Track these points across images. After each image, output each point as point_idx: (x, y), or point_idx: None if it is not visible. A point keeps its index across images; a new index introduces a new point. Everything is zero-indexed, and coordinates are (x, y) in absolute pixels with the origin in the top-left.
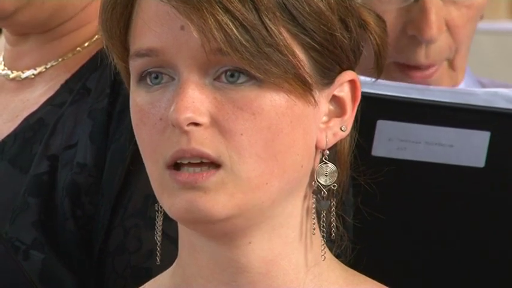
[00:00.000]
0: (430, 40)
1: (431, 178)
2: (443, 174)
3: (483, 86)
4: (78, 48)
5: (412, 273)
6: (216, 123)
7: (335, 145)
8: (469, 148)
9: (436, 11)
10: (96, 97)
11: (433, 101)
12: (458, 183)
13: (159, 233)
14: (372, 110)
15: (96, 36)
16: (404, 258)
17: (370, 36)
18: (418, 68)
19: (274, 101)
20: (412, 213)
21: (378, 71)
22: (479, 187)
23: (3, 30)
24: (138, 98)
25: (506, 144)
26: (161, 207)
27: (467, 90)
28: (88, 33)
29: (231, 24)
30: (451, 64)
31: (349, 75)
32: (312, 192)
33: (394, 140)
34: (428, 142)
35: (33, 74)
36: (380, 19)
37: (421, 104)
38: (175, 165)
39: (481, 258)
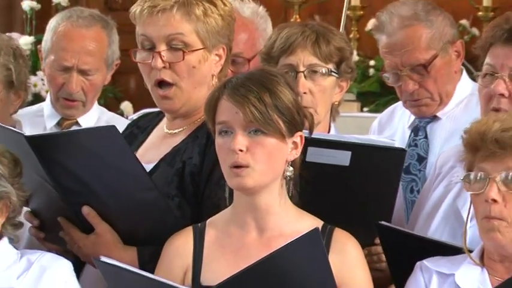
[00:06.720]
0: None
1: (327, 170)
2: (331, 168)
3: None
4: (195, 121)
5: (321, 212)
6: (248, 150)
7: (294, 160)
8: (342, 157)
9: (302, 83)
10: (200, 140)
11: (329, 140)
12: (336, 172)
13: (227, 194)
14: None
15: (202, 117)
16: (316, 207)
17: (307, 123)
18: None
19: (271, 142)
20: (318, 186)
21: (310, 134)
22: (346, 174)
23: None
24: (218, 141)
25: (357, 156)
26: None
27: (344, 135)
28: (199, 114)
29: (255, 111)
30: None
31: (300, 133)
32: (284, 178)
33: (314, 154)
34: (327, 155)
35: (177, 131)
36: (312, 116)
37: (322, 141)
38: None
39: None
